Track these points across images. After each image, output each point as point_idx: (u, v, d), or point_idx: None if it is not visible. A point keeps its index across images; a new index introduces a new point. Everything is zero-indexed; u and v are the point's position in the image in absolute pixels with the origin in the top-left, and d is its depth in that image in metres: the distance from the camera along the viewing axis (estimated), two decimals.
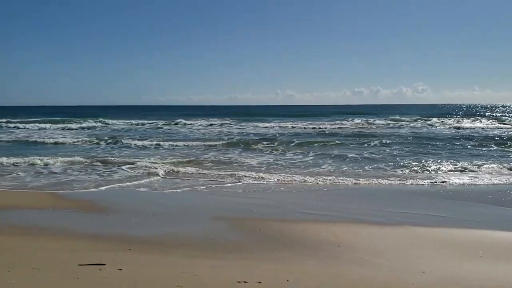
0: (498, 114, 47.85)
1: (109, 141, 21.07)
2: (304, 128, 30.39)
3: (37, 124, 32.83)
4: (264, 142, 19.50)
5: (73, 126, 32.49)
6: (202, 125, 34.78)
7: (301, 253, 5.10)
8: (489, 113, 50.61)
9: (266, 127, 31.96)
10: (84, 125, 33.51)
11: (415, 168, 11.99)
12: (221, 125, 34.74)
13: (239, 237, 5.87)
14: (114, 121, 37.74)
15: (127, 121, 38.08)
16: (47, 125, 32.44)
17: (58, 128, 30.98)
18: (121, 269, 4.35)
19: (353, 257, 4.95)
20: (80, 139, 22.21)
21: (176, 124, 36.02)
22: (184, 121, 37.25)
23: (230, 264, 4.71)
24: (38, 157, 13.82)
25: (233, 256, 5.00)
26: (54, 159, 13.47)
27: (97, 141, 21.24)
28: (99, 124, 35.27)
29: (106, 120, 38.32)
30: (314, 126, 31.47)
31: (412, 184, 9.95)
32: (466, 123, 33.56)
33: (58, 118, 40.18)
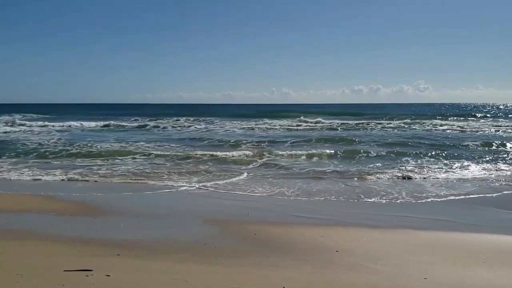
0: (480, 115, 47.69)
1: None
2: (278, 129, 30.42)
3: None
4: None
5: None
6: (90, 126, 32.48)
7: (297, 259, 5.12)
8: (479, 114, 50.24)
9: (206, 128, 31.29)
10: None
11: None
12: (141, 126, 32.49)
13: (232, 242, 5.88)
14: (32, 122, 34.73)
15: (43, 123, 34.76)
16: None
17: None
18: (109, 275, 4.34)
19: (352, 263, 4.97)
20: None
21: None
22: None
23: (223, 270, 4.72)
24: None
25: (227, 262, 5.01)
26: None
27: None
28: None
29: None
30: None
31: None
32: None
33: None
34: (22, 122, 35.48)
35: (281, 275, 4.53)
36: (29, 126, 32.28)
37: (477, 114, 47.86)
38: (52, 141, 21.06)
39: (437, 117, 41.55)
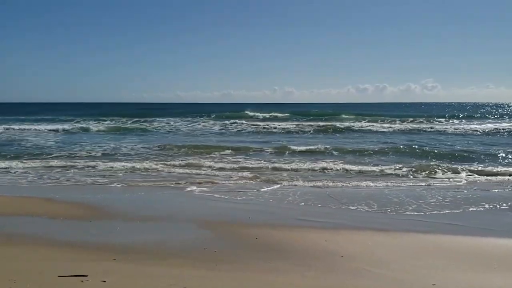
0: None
1: None
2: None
3: None
4: None
5: None
6: None
7: (300, 264, 5.12)
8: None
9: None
10: None
11: None
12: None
13: (233, 246, 5.89)
14: None
15: None
16: None
17: None
18: (105, 281, 4.35)
19: (356, 268, 4.98)
20: None
21: None
22: None
23: (223, 275, 4.73)
24: None
25: (227, 267, 5.02)
26: None
27: None
28: None
29: None
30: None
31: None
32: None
33: None
34: None
35: (284, 281, 4.54)
36: None
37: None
38: None
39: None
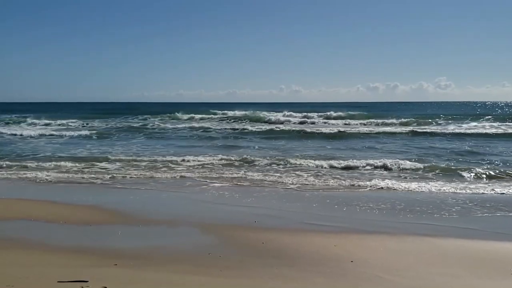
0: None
1: None
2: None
3: None
4: None
5: None
6: None
7: (308, 270, 5.09)
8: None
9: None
10: None
11: None
12: None
13: (238, 251, 5.86)
14: None
15: None
16: None
17: None
18: (105, 287, 4.36)
19: (367, 275, 4.94)
20: None
21: None
22: None
23: (227, 282, 4.71)
24: None
25: (231, 273, 5.00)
26: None
27: None
28: None
29: None
30: None
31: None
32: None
33: None
34: None
35: None
36: None
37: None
38: None
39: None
